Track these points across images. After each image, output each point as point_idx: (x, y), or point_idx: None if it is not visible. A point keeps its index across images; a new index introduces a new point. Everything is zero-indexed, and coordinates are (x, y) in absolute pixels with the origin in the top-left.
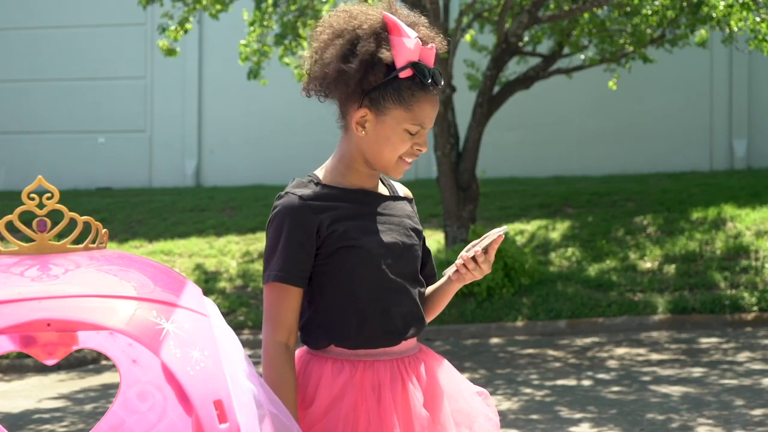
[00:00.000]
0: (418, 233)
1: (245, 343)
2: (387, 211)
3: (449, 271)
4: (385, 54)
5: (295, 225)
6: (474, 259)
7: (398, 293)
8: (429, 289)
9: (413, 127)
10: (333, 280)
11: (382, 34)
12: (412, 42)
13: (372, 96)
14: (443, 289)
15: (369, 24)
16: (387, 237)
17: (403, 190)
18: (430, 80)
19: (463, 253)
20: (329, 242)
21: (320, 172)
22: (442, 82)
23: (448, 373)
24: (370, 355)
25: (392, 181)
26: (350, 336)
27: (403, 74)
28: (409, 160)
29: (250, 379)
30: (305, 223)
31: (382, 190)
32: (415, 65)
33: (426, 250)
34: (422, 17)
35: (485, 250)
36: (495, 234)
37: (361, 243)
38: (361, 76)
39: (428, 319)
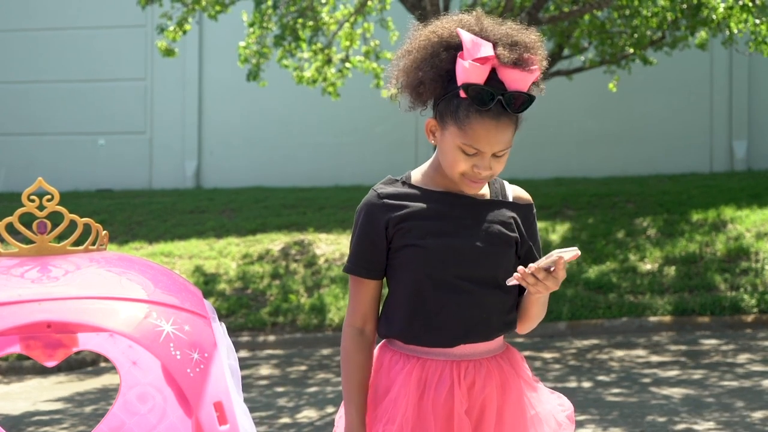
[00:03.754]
0: (508, 240)
1: (245, 345)
2: (472, 215)
3: (510, 282)
4: (438, 69)
5: (367, 220)
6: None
7: (462, 296)
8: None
9: (466, 148)
10: (396, 276)
11: (448, 51)
12: (466, 63)
13: (439, 108)
14: (524, 300)
15: (439, 36)
16: (460, 240)
17: (515, 194)
18: (488, 105)
19: (520, 267)
20: (396, 239)
21: (414, 172)
22: (518, 107)
23: (517, 395)
24: (425, 353)
25: (507, 185)
26: (401, 329)
27: (460, 93)
28: (473, 180)
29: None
30: (375, 218)
31: (484, 192)
32: (467, 88)
33: (532, 259)
34: (529, 34)
35: (549, 269)
36: (557, 254)
37: (424, 243)
38: (420, 84)
39: (523, 326)
